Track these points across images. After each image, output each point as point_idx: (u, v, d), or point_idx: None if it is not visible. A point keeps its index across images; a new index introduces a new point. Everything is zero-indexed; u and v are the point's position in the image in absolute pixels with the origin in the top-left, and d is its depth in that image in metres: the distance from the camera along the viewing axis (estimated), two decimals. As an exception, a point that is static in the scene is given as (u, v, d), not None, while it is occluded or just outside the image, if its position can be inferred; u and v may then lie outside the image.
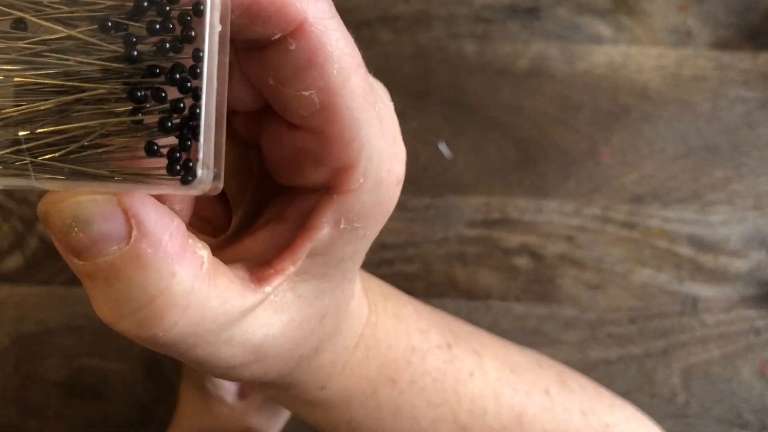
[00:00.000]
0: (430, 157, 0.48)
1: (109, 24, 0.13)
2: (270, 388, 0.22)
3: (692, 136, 0.49)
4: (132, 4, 0.14)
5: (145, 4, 0.13)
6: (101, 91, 0.14)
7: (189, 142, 0.14)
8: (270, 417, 0.41)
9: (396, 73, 0.49)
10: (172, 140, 0.14)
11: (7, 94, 0.14)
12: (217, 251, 0.17)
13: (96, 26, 0.14)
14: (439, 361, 0.24)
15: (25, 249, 0.48)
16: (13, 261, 0.47)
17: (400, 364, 0.23)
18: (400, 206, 0.50)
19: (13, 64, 0.14)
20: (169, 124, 0.14)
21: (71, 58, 0.14)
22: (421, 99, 0.48)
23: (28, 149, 0.14)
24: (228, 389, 0.41)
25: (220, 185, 0.15)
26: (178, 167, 0.14)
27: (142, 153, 0.14)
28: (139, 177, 0.15)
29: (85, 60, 0.14)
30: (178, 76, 0.14)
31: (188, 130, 0.14)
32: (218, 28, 0.14)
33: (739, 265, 0.48)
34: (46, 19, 0.14)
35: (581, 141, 0.49)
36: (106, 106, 0.14)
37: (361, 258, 0.21)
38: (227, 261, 0.17)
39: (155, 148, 0.14)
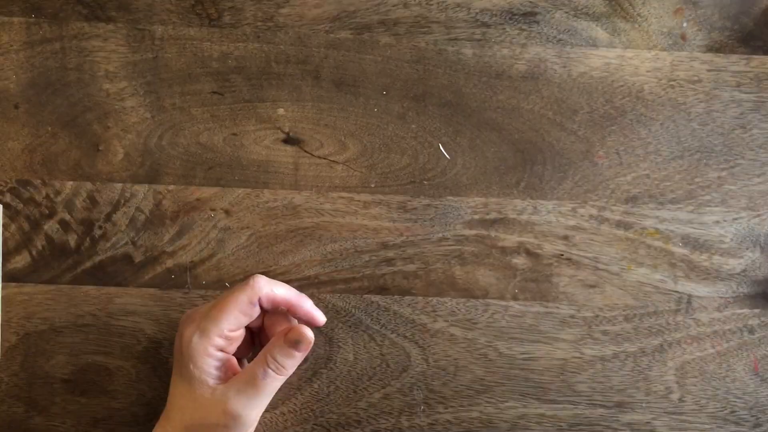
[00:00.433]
0: (429, 159, 0.49)
1: None
2: None
3: (687, 137, 0.49)
4: None
5: None
6: None
7: None
8: (249, 400, 0.42)
9: (396, 76, 0.49)
10: None
11: None
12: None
13: None
14: None
15: (32, 248, 0.48)
16: (20, 260, 0.48)
17: None
18: (401, 207, 0.51)
19: None
20: None
21: None
22: (420, 101, 0.49)
23: None
24: (210, 373, 0.42)
25: None
26: None
27: None
28: None
29: None
30: None
31: None
32: None
33: (733, 264, 0.49)
34: None
35: (577, 142, 0.49)
36: None
37: None
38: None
39: None
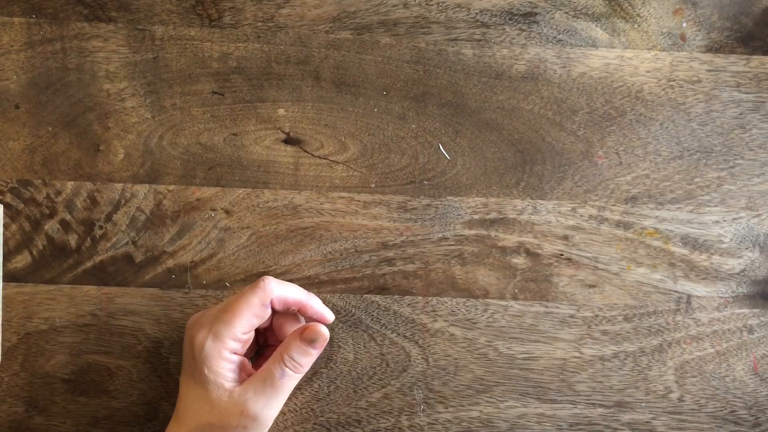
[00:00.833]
0: (429, 159, 0.49)
1: None
2: None
3: (686, 137, 0.49)
4: None
5: None
6: None
7: None
8: (268, 400, 0.42)
9: (396, 76, 0.49)
10: None
11: None
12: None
13: None
14: None
15: (32, 248, 0.48)
16: (21, 260, 0.48)
17: None
18: (401, 207, 0.51)
19: None
20: None
21: None
22: (420, 102, 0.49)
23: None
24: (225, 376, 0.42)
25: None
26: None
27: None
28: None
29: None
30: None
31: None
32: None
33: (733, 264, 0.49)
34: None
35: (577, 143, 0.49)
36: None
37: None
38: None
39: None
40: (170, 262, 0.48)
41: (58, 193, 0.48)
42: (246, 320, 0.42)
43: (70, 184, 0.48)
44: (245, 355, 0.45)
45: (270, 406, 0.42)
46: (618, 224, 0.49)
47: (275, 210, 0.49)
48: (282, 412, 0.48)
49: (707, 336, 0.49)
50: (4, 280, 0.48)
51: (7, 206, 0.48)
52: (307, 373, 0.48)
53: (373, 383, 0.48)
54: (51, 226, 0.48)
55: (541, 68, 0.49)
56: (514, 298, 0.48)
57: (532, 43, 0.49)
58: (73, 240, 0.48)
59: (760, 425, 0.48)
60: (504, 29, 0.49)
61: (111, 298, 0.48)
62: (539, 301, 0.48)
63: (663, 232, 0.49)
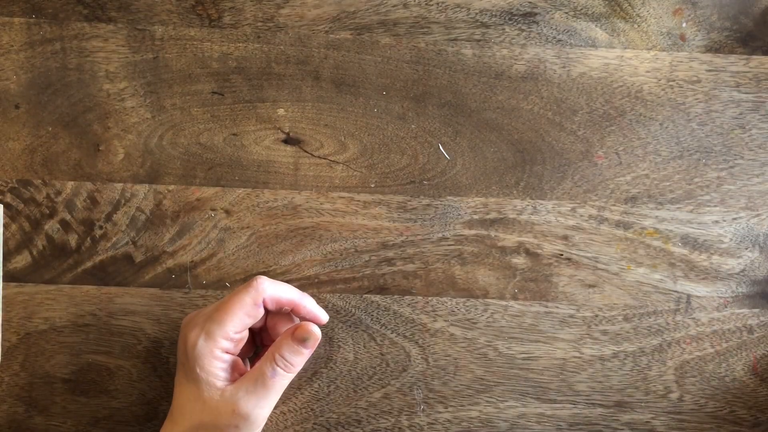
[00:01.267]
0: (429, 159, 0.49)
1: None
2: None
3: (686, 137, 0.50)
4: None
5: None
6: None
7: None
8: (259, 399, 0.42)
9: (395, 76, 0.49)
10: None
11: None
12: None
13: None
14: None
15: (32, 248, 0.48)
16: (21, 260, 0.48)
17: None
18: (401, 207, 0.51)
19: None
20: None
21: None
22: (420, 102, 0.49)
23: None
24: (217, 375, 0.42)
25: None
26: None
27: None
28: None
29: None
30: None
31: None
32: None
33: (733, 264, 0.49)
34: None
35: (577, 143, 0.49)
36: None
37: None
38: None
39: None
40: (170, 262, 0.48)
41: (58, 193, 0.48)
42: (238, 320, 0.42)
43: (70, 184, 0.48)
44: (240, 356, 0.45)
45: (261, 405, 0.42)
46: (618, 224, 0.49)
47: (275, 210, 0.49)
48: (282, 412, 0.48)
49: (707, 336, 0.49)
50: (4, 280, 0.48)
51: (7, 206, 0.48)
52: (306, 372, 0.48)
53: (373, 383, 0.48)
54: (51, 226, 0.48)
55: (540, 68, 0.49)
56: (514, 298, 0.49)
57: (531, 43, 0.49)
58: (73, 240, 0.48)
59: (759, 425, 0.48)
60: (504, 29, 0.49)
61: (111, 298, 0.48)
62: (539, 301, 0.48)
63: (663, 232, 0.49)
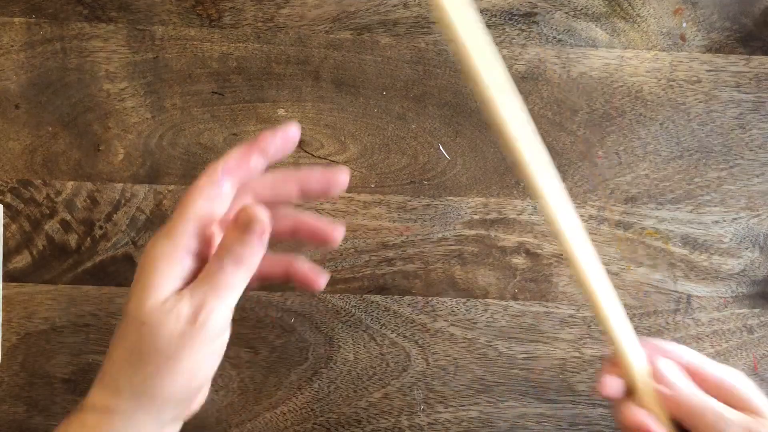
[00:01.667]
0: (429, 159, 0.49)
1: None
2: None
3: (686, 137, 0.50)
4: None
5: None
6: None
7: None
8: (208, 298, 0.33)
9: (396, 76, 0.49)
10: None
11: None
12: None
13: None
14: None
15: (32, 248, 0.48)
16: (21, 260, 0.48)
17: None
18: (401, 207, 0.51)
19: None
20: None
21: None
22: (420, 102, 0.49)
23: None
24: (171, 281, 0.33)
25: None
26: None
27: None
28: None
29: None
30: None
31: None
32: None
33: (733, 264, 0.49)
34: None
35: (577, 143, 0.49)
36: None
37: None
38: None
39: None
40: (170, 262, 0.48)
41: (58, 193, 0.48)
42: (196, 206, 0.34)
43: (70, 184, 0.48)
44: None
45: (210, 307, 0.33)
46: (618, 224, 0.49)
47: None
48: (282, 412, 0.48)
49: (707, 336, 0.49)
50: (4, 280, 0.48)
51: (7, 206, 0.48)
52: (306, 372, 0.48)
53: (373, 383, 0.48)
54: (51, 226, 0.48)
55: (541, 68, 0.49)
56: (514, 298, 0.49)
57: (531, 43, 0.49)
58: (73, 240, 0.48)
59: (760, 425, 0.48)
60: (504, 29, 0.49)
61: (111, 298, 0.48)
62: (539, 301, 0.48)
63: (663, 232, 0.49)
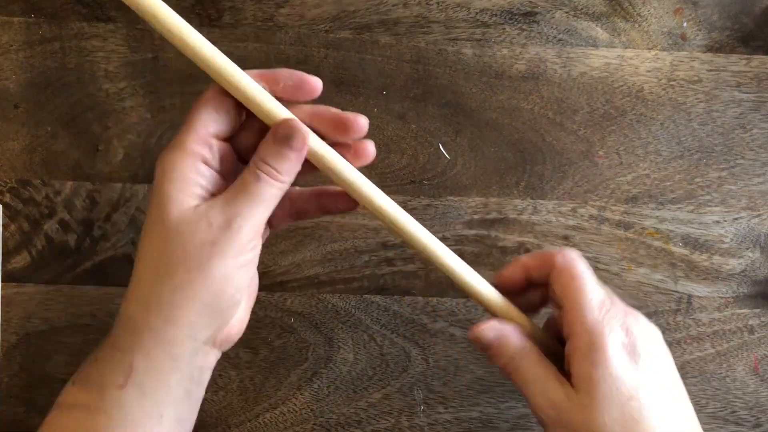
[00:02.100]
0: (429, 159, 0.49)
1: None
2: None
3: (687, 137, 0.49)
4: None
5: None
6: None
7: None
8: (241, 209, 0.32)
9: (395, 76, 0.49)
10: None
11: None
12: None
13: None
14: None
15: (32, 248, 0.48)
16: (20, 260, 0.48)
17: None
18: (401, 207, 0.51)
19: None
20: None
21: None
22: (420, 101, 0.49)
23: None
24: (192, 191, 0.33)
25: None
26: None
27: None
28: None
29: None
30: None
31: None
32: None
33: (733, 264, 0.49)
34: None
35: (577, 142, 0.49)
36: None
37: None
38: None
39: None
40: (170, 263, 0.48)
41: (57, 193, 0.48)
42: (202, 117, 0.33)
43: (69, 184, 0.48)
44: (276, 221, 0.37)
45: (245, 215, 0.32)
46: (618, 224, 0.49)
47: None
48: (282, 413, 0.48)
49: (708, 336, 0.48)
50: (3, 281, 0.48)
51: (6, 206, 0.48)
52: (306, 373, 0.48)
53: (373, 384, 0.48)
54: (50, 227, 0.48)
55: (541, 68, 0.49)
56: (515, 298, 0.48)
57: (532, 42, 0.49)
58: (72, 240, 0.48)
59: (760, 425, 0.48)
60: (504, 29, 0.49)
61: (110, 299, 0.48)
62: (539, 302, 0.48)
63: (663, 232, 0.49)
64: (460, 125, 0.49)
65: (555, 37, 0.49)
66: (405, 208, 0.49)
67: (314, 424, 0.48)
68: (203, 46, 0.34)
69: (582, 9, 0.50)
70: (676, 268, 0.49)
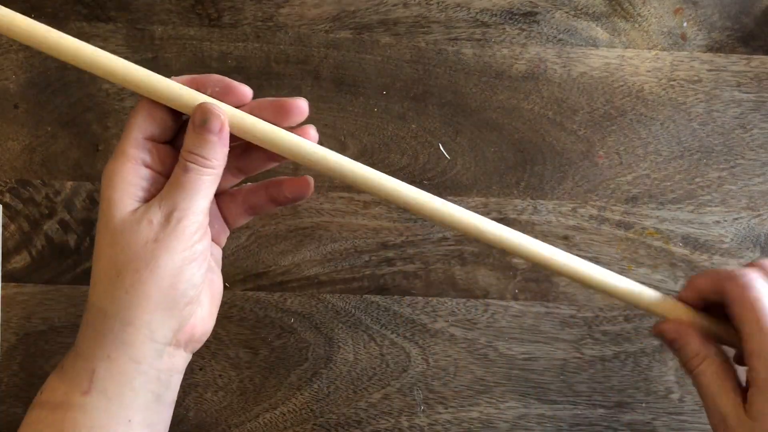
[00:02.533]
0: (429, 159, 0.49)
1: None
2: None
3: (687, 137, 0.49)
4: None
5: None
6: None
7: None
8: (176, 201, 0.33)
9: (396, 76, 0.49)
10: None
11: None
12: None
13: None
14: None
15: (32, 248, 0.48)
16: (20, 260, 0.48)
17: None
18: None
19: None
20: None
21: None
22: (420, 101, 0.49)
23: None
24: (133, 192, 0.34)
25: None
26: None
27: None
28: None
29: None
30: None
31: None
32: None
33: (734, 264, 0.49)
34: None
35: (577, 142, 0.49)
36: None
37: None
38: None
39: None
40: (170, 263, 0.48)
41: (57, 193, 0.48)
42: (137, 122, 0.34)
43: (69, 184, 0.48)
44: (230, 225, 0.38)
45: (180, 208, 0.32)
46: (618, 224, 0.49)
47: (275, 210, 0.48)
48: (282, 413, 0.48)
49: (708, 336, 0.48)
50: (3, 280, 0.48)
51: (6, 206, 0.48)
52: (306, 373, 0.48)
53: (373, 384, 0.48)
54: (50, 227, 0.48)
55: (541, 68, 0.49)
56: (515, 298, 0.48)
57: (532, 42, 0.49)
58: (72, 240, 0.48)
59: None
60: (504, 29, 0.49)
61: (110, 299, 0.48)
62: (540, 302, 0.48)
63: (664, 232, 0.49)
64: (460, 125, 0.49)
65: (555, 37, 0.49)
66: (405, 208, 0.49)
67: (314, 424, 0.48)
68: (95, 52, 0.33)
69: (582, 9, 0.50)
70: (676, 268, 0.49)
